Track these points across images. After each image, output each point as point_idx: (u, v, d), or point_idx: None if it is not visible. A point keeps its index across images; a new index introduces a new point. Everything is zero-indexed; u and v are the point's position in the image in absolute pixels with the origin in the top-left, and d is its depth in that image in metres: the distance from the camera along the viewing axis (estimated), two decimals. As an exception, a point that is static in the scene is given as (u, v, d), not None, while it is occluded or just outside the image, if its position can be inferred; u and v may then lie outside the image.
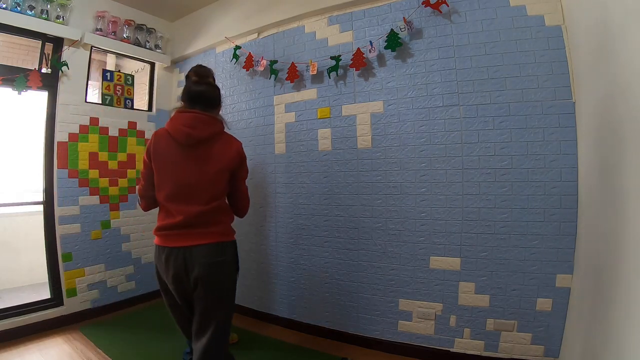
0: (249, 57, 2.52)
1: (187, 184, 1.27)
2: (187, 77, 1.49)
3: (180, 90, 3.12)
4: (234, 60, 2.63)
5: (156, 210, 1.42)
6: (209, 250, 1.26)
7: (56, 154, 2.41)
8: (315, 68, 2.24)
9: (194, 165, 1.28)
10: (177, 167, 1.27)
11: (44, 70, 2.35)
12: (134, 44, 2.85)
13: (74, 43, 2.46)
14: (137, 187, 1.39)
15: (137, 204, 1.45)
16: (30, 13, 2.24)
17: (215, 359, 1.27)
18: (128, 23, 2.82)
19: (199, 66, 1.54)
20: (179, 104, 1.41)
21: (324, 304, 2.24)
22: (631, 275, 1.00)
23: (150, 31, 2.99)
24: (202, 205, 1.27)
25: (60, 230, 2.41)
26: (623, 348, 0.99)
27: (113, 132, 2.74)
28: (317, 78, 2.28)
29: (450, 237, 1.86)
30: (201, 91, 1.35)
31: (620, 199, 1.12)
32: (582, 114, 1.55)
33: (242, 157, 1.40)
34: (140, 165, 2.90)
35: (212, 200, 1.30)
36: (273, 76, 2.43)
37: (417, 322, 1.94)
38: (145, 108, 3.10)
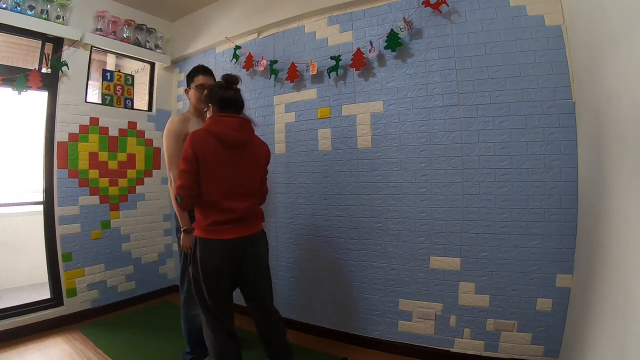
0: (249, 57, 2.52)
1: (238, 184, 1.45)
2: (213, 86, 1.59)
3: (180, 90, 3.14)
4: (234, 60, 2.63)
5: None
6: (257, 237, 1.53)
7: (56, 154, 2.41)
8: (315, 68, 2.24)
9: (241, 166, 1.46)
10: (227, 168, 1.42)
11: (44, 70, 2.35)
12: (134, 44, 2.85)
13: (74, 43, 2.46)
14: (175, 186, 1.46)
15: (176, 202, 1.49)
16: (30, 13, 2.25)
17: (276, 311, 1.64)
18: (128, 23, 2.82)
19: (204, 70, 1.82)
20: (206, 107, 1.56)
21: (324, 304, 2.24)
22: (630, 274, 1.00)
23: (150, 31, 3.00)
24: (248, 200, 1.48)
25: (60, 230, 2.41)
26: (623, 348, 0.99)
27: (113, 132, 2.74)
28: (317, 78, 2.28)
29: (450, 237, 1.86)
30: (233, 96, 1.49)
31: (620, 199, 1.12)
32: (582, 114, 1.55)
33: (269, 156, 1.63)
34: (140, 165, 2.92)
35: (254, 196, 1.53)
36: (273, 76, 2.43)
37: (417, 322, 1.94)
38: (145, 108, 3.10)
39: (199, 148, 1.37)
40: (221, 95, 1.47)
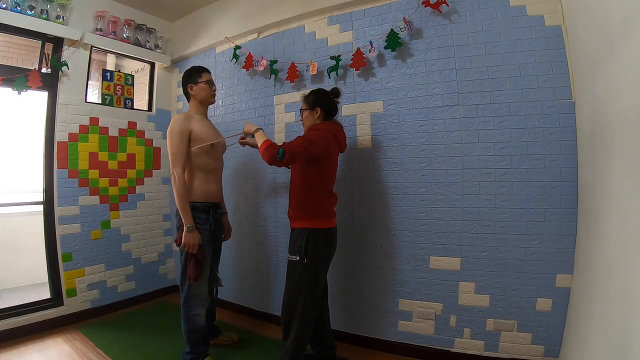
0: (249, 57, 2.51)
1: (335, 179, 1.79)
2: (323, 93, 1.77)
3: (180, 90, 3.13)
4: (234, 60, 2.63)
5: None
6: None
7: (56, 154, 2.41)
8: (315, 68, 2.23)
9: (336, 164, 1.78)
10: (335, 165, 1.76)
11: (44, 70, 2.35)
12: (134, 44, 2.85)
13: (74, 43, 2.46)
14: (295, 143, 1.56)
15: (273, 153, 1.50)
16: (30, 13, 2.24)
17: None
18: (128, 23, 2.82)
19: (206, 68, 1.95)
20: (315, 114, 1.72)
21: (324, 304, 2.24)
22: (629, 273, 1.00)
23: (150, 31, 2.99)
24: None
25: (60, 230, 2.41)
26: (623, 348, 0.99)
27: (113, 132, 2.74)
28: (317, 78, 2.28)
29: (450, 237, 1.86)
30: (337, 108, 1.80)
31: (619, 199, 1.12)
32: (582, 114, 1.55)
33: None
34: (140, 165, 2.92)
35: None
36: (273, 76, 2.43)
37: (417, 322, 1.94)
38: (145, 108, 3.10)
39: (333, 144, 1.64)
40: (333, 105, 1.76)
